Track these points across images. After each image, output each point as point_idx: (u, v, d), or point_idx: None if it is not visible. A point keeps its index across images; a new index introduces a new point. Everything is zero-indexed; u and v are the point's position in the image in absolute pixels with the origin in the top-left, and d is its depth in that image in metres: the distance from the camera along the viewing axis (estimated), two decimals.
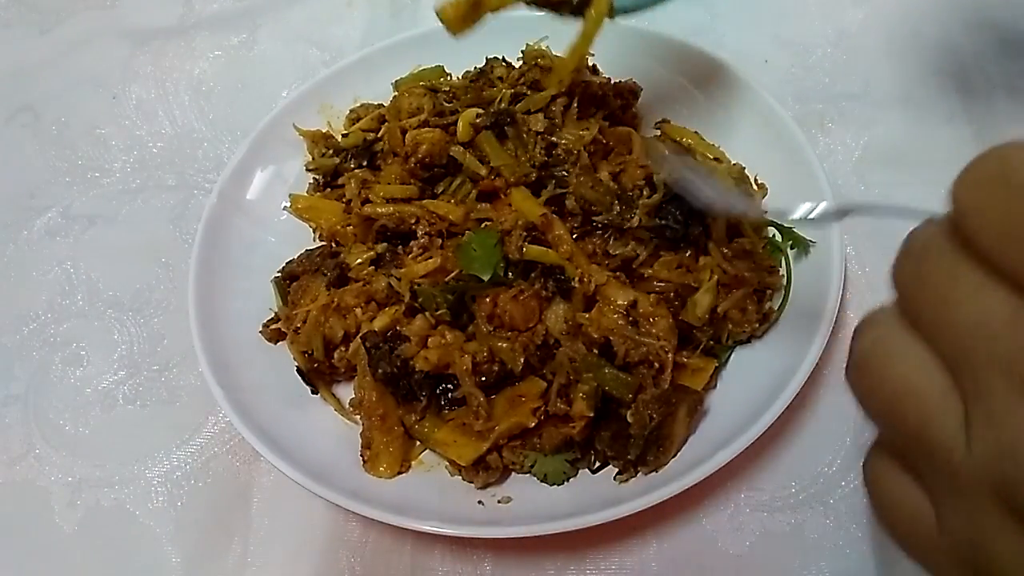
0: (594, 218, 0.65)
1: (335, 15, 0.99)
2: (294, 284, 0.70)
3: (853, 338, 0.28)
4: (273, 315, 0.69)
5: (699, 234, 0.64)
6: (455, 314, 0.62)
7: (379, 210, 0.69)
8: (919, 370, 0.25)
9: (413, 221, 0.69)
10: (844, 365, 0.29)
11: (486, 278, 0.62)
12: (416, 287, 0.63)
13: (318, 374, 0.66)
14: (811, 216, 0.46)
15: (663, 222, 0.63)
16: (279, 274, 0.71)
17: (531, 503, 0.58)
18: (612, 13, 0.62)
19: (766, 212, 0.68)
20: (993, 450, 0.23)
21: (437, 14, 0.61)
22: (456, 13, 0.60)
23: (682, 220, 0.63)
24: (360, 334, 0.64)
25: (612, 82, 0.77)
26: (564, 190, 0.67)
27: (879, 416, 0.27)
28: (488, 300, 0.61)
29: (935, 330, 0.25)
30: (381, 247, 0.69)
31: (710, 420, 0.60)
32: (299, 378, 0.66)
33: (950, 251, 0.25)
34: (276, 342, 0.69)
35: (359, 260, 0.69)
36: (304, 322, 0.66)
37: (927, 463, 0.25)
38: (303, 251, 0.72)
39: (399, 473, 0.61)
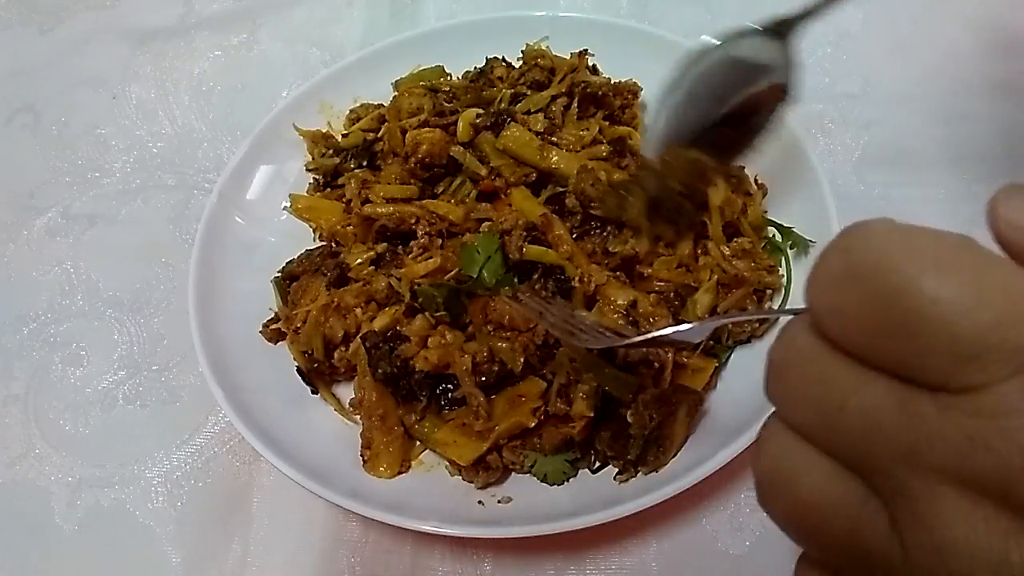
0: (592, 211, 0.65)
1: (335, 15, 0.99)
2: (294, 284, 0.70)
3: (753, 463, 0.27)
4: (273, 315, 0.69)
5: (698, 224, 0.65)
6: (455, 314, 0.62)
7: (379, 210, 0.69)
8: (829, 483, 0.24)
9: (413, 221, 0.69)
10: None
11: (490, 284, 0.62)
12: (416, 287, 0.63)
13: (318, 374, 0.66)
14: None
15: None
16: (279, 274, 0.71)
17: (531, 503, 0.58)
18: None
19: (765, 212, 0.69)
20: (931, 552, 0.21)
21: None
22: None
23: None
24: (360, 334, 0.64)
25: (612, 82, 0.77)
26: (563, 188, 0.67)
27: (805, 537, 0.26)
28: (489, 302, 0.61)
29: (830, 438, 0.23)
30: (381, 247, 0.69)
31: (710, 420, 0.60)
32: (299, 378, 0.66)
33: (818, 354, 0.23)
34: (276, 342, 0.69)
35: (359, 260, 0.69)
36: (304, 322, 0.66)
37: (869, 574, 0.24)
38: (303, 251, 0.72)
39: (399, 473, 0.61)
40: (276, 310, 0.69)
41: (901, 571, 0.22)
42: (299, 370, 0.66)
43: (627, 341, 0.50)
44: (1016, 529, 0.20)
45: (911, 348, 0.21)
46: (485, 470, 0.59)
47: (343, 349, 0.65)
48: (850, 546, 0.23)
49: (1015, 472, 0.19)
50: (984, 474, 0.20)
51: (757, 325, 0.63)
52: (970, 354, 0.19)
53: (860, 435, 0.22)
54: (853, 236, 0.22)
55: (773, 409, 0.26)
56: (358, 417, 0.64)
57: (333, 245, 0.73)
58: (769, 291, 0.65)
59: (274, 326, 0.68)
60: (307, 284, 0.69)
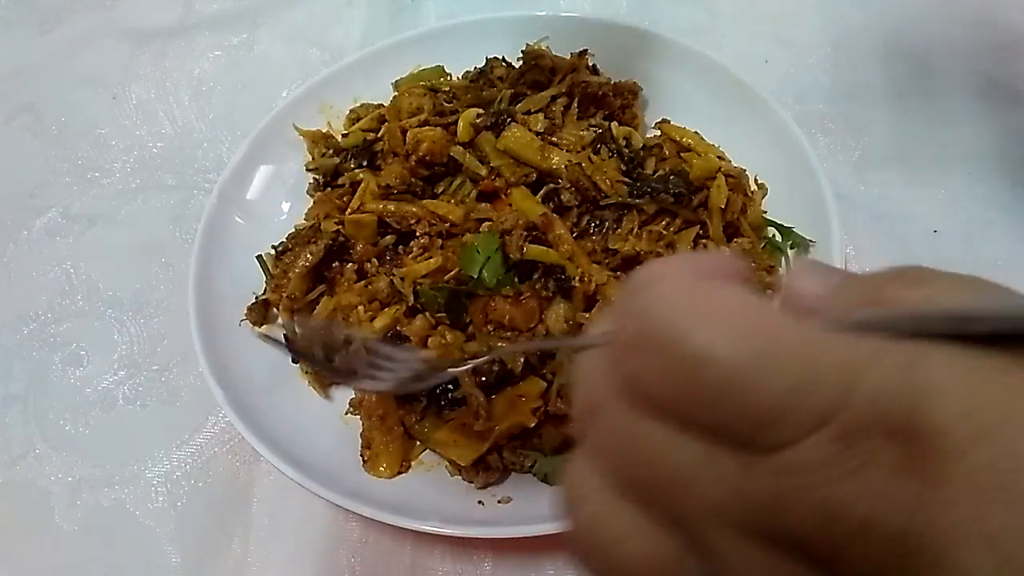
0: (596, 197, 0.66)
1: (335, 15, 0.99)
2: (283, 255, 0.69)
3: (567, 514, 0.26)
4: (255, 298, 0.69)
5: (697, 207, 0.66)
6: (455, 314, 0.62)
7: (381, 207, 0.69)
8: (649, 544, 0.23)
9: (413, 221, 0.69)
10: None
11: (490, 284, 0.62)
12: (418, 287, 0.63)
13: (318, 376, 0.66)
14: None
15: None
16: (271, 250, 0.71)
17: (531, 503, 0.58)
18: None
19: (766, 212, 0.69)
20: None
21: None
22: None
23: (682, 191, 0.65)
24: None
25: (612, 82, 0.77)
26: (557, 185, 0.67)
27: None
28: (489, 303, 0.61)
29: (642, 493, 0.23)
30: (388, 239, 0.69)
31: None
32: (284, 347, 0.65)
33: (622, 407, 0.23)
34: (261, 324, 0.68)
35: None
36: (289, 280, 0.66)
37: None
38: (290, 231, 0.72)
39: (399, 473, 0.61)
40: (260, 294, 0.69)
41: None
42: (286, 337, 0.65)
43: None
44: None
45: (713, 415, 0.21)
46: (485, 470, 0.59)
47: (344, 352, 0.65)
48: None
49: (811, 528, 0.20)
50: (785, 530, 0.20)
51: None
52: (769, 419, 0.20)
53: (672, 491, 0.22)
54: (644, 297, 0.22)
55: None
56: (358, 417, 0.64)
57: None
58: (769, 291, 0.65)
59: (262, 297, 0.68)
60: (298, 252, 0.68)
